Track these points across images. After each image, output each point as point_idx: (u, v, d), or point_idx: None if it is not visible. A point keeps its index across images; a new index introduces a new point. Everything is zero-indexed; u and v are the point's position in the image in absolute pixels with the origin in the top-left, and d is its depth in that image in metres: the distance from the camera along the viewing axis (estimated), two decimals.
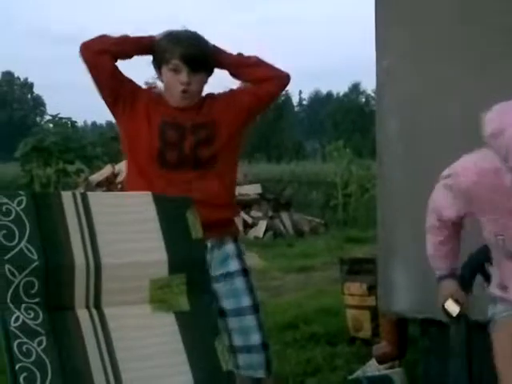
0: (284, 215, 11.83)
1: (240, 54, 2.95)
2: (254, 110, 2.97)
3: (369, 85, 54.62)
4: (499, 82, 3.32)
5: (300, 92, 73.02)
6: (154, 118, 2.85)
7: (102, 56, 2.79)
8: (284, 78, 2.95)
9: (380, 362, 4.07)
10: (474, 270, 2.73)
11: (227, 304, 2.86)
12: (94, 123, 70.79)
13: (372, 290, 4.54)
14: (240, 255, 2.92)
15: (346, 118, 52.75)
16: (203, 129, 2.85)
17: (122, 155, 16.24)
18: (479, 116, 2.38)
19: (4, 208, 2.06)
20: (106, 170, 12.77)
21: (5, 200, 2.07)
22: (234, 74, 2.95)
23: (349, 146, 16.69)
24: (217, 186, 2.86)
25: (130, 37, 2.88)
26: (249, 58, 2.94)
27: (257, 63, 2.92)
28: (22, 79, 73.85)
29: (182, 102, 2.84)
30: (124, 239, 2.20)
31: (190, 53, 2.79)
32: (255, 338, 2.85)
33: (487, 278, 2.67)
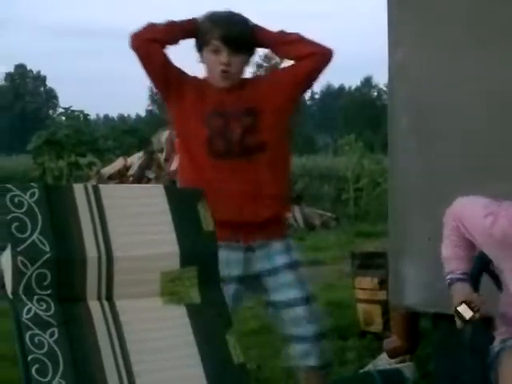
0: (295, 209, 11.81)
1: (281, 31, 2.90)
2: (297, 91, 2.93)
3: (381, 79, 54.42)
4: None
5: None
6: (201, 105, 2.84)
7: (153, 45, 2.80)
8: (326, 54, 2.87)
9: (391, 356, 4.06)
10: (480, 269, 2.71)
11: (276, 297, 2.88)
12: (106, 116, 70.89)
13: (383, 284, 4.53)
14: (288, 251, 2.91)
15: (357, 112, 52.58)
16: (248, 115, 2.84)
17: (133, 148, 16.27)
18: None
19: (16, 200, 2.07)
20: (118, 163, 12.79)
21: (17, 192, 2.09)
22: (275, 52, 2.93)
23: (360, 140, 16.62)
24: (268, 176, 2.84)
25: (176, 22, 2.87)
26: (289, 34, 2.89)
27: (297, 39, 2.87)
28: (34, 72, 74.02)
29: (222, 83, 2.83)
30: (136, 232, 2.20)
31: (230, 34, 2.79)
32: (307, 329, 2.86)
33: (494, 277, 2.67)
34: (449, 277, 2.55)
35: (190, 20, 2.89)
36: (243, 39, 2.83)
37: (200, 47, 2.87)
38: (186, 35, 2.88)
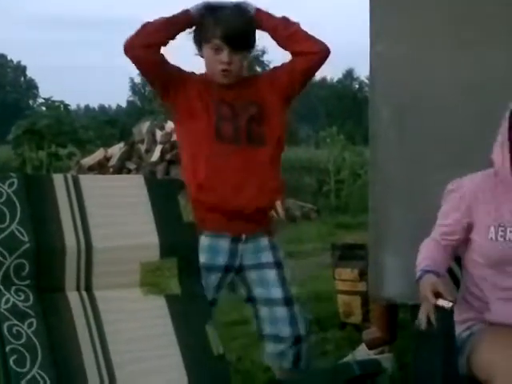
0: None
1: (284, 19, 2.88)
2: (294, 88, 2.93)
3: (362, 71, 54.58)
4: (495, 67, 3.33)
5: None
6: (207, 96, 2.83)
7: (149, 51, 2.74)
8: (323, 53, 2.87)
9: (370, 347, 4.08)
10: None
11: (257, 292, 2.87)
12: (86, 107, 70.60)
13: (363, 275, 4.55)
14: (274, 248, 2.92)
15: (339, 104, 52.69)
16: (253, 106, 2.85)
17: (113, 139, 16.22)
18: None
19: None
20: (98, 154, 12.74)
21: None
22: (274, 40, 2.90)
23: (342, 132, 16.67)
24: (268, 169, 2.85)
25: (167, 19, 2.81)
26: (291, 25, 2.87)
27: (295, 33, 2.85)
28: (15, 62, 73.50)
29: (223, 80, 2.83)
30: (115, 222, 2.20)
31: (232, 33, 2.76)
32: (284, 330, 2.84)
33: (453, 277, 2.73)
34: (418, 274, 2.58)
35: (182, 13, 2.84)
36: (244, 37, 2.82)
37: (199, 42, 2.85)
38: (182, 29, 2.84)
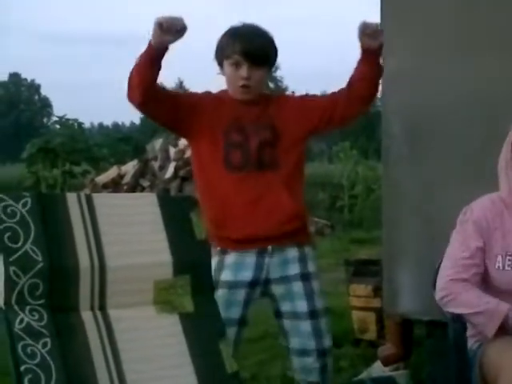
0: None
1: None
2: (324, 127, 2.95)
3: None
4: (510, 81, 3.32)
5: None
6: (218, 121, 2.82)
7: (148, 97, 2.71)
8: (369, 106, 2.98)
9: (385, 363, 4.06)
10: None
11: (283, 306, 2.86)
12: (100, 124, 70.89)
13: (377, 291, 4.53)
14: (303, 260, 2.87)
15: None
16: (266, 130, 2.83)
17: (127, 156, 16.25)
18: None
19: (9, 210, 2.07)
20: (112, 172, 12.79)
21: (10, 201, 2.08)
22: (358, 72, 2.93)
23: (355, 147, 16.65)
24: (281, 193, 2.82)
25: (140, 60, 2.71)
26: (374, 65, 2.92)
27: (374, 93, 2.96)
28: (29, 80, 74.01)
29: (242, 96, 2.83)
30: (128, 240, 2.20)
31: (250, 48, 2.77)
32: (311, 344, 2.83)
33: None
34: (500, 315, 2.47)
35: (148, 46, 2.70)
36: (263, 52, 2.82)
37: (220, 60, 2.86)
38: (158, 59, 2.72)
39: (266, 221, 2.78)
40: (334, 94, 2.95)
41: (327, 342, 2.86)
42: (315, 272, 2.91)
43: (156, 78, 2.74)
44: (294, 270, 2.85)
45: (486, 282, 2.58)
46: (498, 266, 2.54)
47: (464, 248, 2.57)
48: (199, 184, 2.92)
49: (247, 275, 2.81)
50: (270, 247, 2.81)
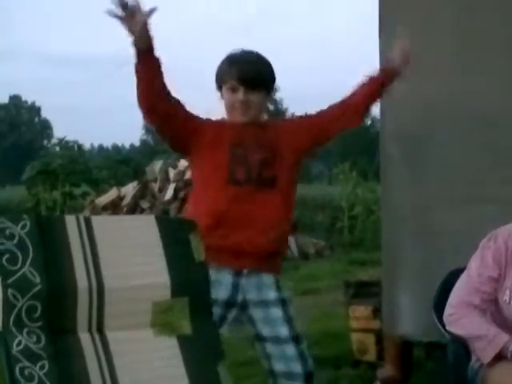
0: (289, 238, 11.79)
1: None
2: (321, 143, 3.05)
3: (374, 107, 54.65)
4: (505, 103, 3.33)
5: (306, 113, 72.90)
6: (221, 139, 2.86)
7: (153, 103, 2.73)
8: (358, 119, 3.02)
9: None
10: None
11: (265, 331, 2.85)
12: (100, 146, 71.05)
13: (377, 313, 4.52)
14: (278, 287, 2.90)
15: (352, 140, 52.71)
16: (266, 149, 2.88)
17: (127, 178, 16.27)
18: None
19: (7, 232, 2.07)
20: (112, 193, 12.78)
21: (8, 224, 2.08)
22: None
23: (355, 168, 16.68)
24: (276, 211, 2.86)
25: (136, 61, 2.72)
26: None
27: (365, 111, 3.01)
28: (29, 103, 74.24)
29: (241, 118, 2.88)
30: (127, 262, 2.20)
31: (246, 73, 2.84)
32: (297, 367, 2.83)
33: None
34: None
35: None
36: (259, 77, 2.88)
37: (219, 86, 2.92)
38: (144, 50, 2.67)
39: (254, 235, 2.79)
40: (321, 110, 3.03)
41: (310, 365, 2.87)
42: (290, 299, 2.95)
43: (157, 79, 2.75)
44: (272, 295, 2.87)
45: (498, 311, 2.59)
46: (505, 299, 2.55)
47: (479, 273, 2.60)
48: (196, 190, 2.95)
49: (223, 294, 2.81)
50: (245, 270, 2.83)
